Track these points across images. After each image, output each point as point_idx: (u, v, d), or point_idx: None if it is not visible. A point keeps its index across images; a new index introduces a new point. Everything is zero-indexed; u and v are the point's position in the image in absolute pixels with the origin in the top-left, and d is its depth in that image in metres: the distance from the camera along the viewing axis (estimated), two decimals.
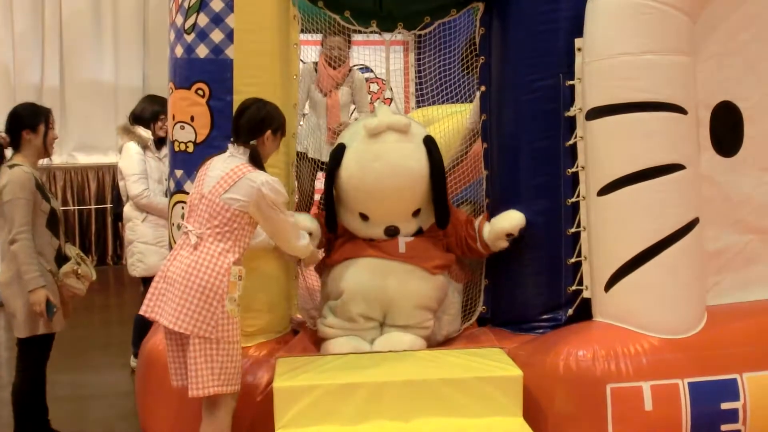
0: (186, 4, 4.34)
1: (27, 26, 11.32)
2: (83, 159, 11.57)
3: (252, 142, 3.93)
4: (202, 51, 4.32)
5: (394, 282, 4.47)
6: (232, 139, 4.00)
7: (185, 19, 4.35)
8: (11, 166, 4.56)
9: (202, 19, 4.31)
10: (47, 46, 11.44)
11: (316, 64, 5.57)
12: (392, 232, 4.52)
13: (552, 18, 4.39)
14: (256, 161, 3.91)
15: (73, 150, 11.65)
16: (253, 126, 3.95)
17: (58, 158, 11.58)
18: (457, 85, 4.98)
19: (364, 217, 4.54)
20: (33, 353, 4.58)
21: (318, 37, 5.34)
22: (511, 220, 4.50)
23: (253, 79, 4.32)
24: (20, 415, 4.61)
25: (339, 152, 4.52)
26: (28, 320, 4.49)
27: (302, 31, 4.73)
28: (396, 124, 4.44)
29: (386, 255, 4.51)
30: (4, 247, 4.57)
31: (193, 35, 4.33)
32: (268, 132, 3.97)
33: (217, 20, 4.29)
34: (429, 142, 4.49)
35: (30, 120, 4.65)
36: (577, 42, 4.29)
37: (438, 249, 4.62)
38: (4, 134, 4.72)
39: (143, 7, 11.68)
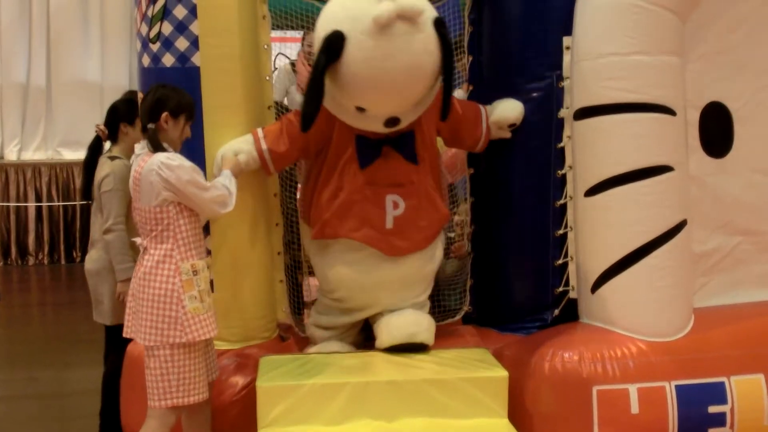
0: (150, 13, 4.23)
1: (13, 20, 11.27)
2: (68, 155, 11.55)
3: (150, 126, 3.71)
4: (168, 60, 4.21)
5: (385, 293, 4.31)
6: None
7: (150, 28, 4.25)
8: (112, 158, 4.71)
9: (166, 28, 4.20)
10: (34, 41, 11.39)
11: (293, 64, 5.41)
12: (392, 122, 4.07)
13: (545, 18, 4.33)
14: (154, 143, 3.68)
15: (58, 146, 11.62)
16: (148, 110, 3.73)
17: (43, 154, 11.59)
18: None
19: (360, 110, 4.04)
20: (120, 341, 4.53)
21: (294, 34, 5.18)
22: (514, 110, 4.40)
23: (221, 84, 4.19)
24: (106, 401, 4.73)
25: (337, 43, 3.81)
26: (116, 309, 4.60)
27: (277, 28, 4.63)
28: (408, 11, 3.75)
29: (374, 238, 4.20)
30: (96, 235, 4.75)
31: (158, 44, 4.23)
32: (165, 114, 3.71)
33: (181, 28, 4.18)
34: (440, 26, 3.89)
35: (127, 113, 4.77)
36: (566, 40, 4.25)
37: (427, 213, 4.29)
38: (102, 126, 4.87)
39: (130, 4, 11.61)
